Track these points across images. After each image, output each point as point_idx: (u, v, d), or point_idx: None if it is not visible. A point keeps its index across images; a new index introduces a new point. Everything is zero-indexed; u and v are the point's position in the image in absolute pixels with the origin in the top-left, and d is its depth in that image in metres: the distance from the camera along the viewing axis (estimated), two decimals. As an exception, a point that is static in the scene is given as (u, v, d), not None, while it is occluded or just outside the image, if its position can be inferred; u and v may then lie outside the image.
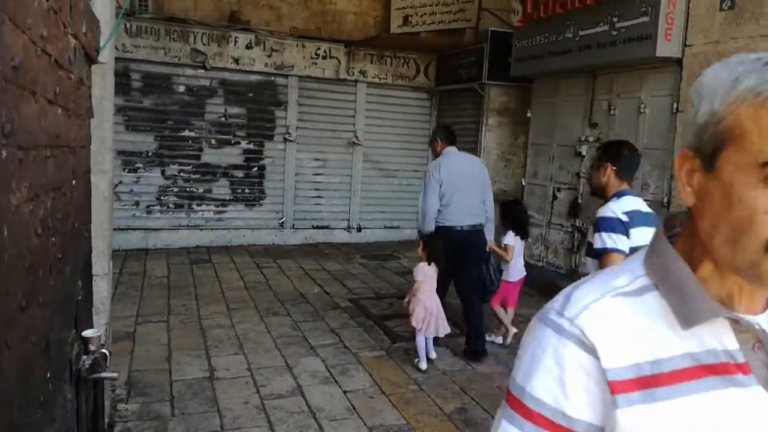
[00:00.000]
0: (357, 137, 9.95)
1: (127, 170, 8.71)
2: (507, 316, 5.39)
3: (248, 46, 9.11)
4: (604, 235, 2.78)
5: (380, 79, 10.00)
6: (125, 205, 8.70)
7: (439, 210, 5.00)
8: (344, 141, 9.92)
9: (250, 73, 9.23)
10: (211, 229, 9.25)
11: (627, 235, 2.72)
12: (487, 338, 5.26)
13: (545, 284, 7.23)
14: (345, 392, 4.21)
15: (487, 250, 5.15)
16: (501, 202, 5.93)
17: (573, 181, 7.33)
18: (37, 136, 1.58)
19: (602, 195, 3.00)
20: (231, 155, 9.30)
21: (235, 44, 9.04)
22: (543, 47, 7.35)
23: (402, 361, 4.82)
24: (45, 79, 1.71)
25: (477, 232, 5.06)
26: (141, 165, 8.82)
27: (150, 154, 8.85)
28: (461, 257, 4.93)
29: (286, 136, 9.49)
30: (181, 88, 8.96)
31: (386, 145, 10.22)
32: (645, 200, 4.01)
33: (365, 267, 8.21)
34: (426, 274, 4.70)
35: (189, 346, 4.93)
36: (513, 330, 5.39)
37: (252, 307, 6.10)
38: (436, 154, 5.29)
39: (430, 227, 5.00)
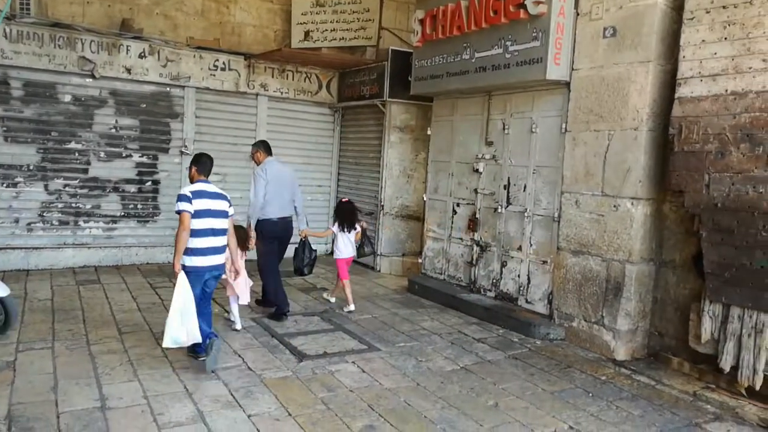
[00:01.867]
0: (258, 152, 9.76)
1: (5, 185, 8.04)
2: (339, 288, 7.15)
3: (141, 56, 8.72)
4: (179, 203, 4.77)
5: (282, 93, 9.90)
6: (3, 222, 8.01)
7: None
8: (245, 155, 9.64)
9: (143, 83, 8.83)
10: (100, 247, 8.71)
11: (190, 202, 4.76)
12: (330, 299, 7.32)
13: (447, 297, 7.42)
14: (249, 416, 4.07)
15: (301, 236, 6.70)
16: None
17: (471, 196, 7.58)
18: None
19: (191, 182, 5.10)
20: (122, 169, 8.83)
21: (127, 53, 8.62)
22: (441, 67, 7.58)
23: (309, 381, 4.74)
24: None
25: (287, 222, 6.57)
26: (21, 179, 8.16)
27: (31, 167, 8.22)
28: (275, 241, 6.46)
29: (183, 149, 9.14)
30: (67, 98, 8.41)
31: (289, 160, 10.02)
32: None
33: (267, 284, 8.02)
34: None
35: (77, 375, 4.58)
36: (333, 299, 7.28)
37: (146, 330, 5.78)
38: (258, 163, 6.58)
39: (256, 217, 6.35)
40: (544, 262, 6.55)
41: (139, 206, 9.00)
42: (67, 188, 8.48)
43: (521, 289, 6.82)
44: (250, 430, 3.87)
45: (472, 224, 7.53)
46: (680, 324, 5.49)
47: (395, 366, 5.19)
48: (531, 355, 5.69)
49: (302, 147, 10.29)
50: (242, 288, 5.91)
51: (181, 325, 4.66)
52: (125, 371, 4.73)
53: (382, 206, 9.38)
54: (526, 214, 6.75)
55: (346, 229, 6.95)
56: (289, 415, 4.11)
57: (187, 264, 4.77)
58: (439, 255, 8.14)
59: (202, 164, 5.15)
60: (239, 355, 5.23)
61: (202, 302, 4.95)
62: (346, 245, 6.99)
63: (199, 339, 4.74)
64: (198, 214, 4.79)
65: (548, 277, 6.49)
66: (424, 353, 5.58)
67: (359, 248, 7.10)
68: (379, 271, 9.38)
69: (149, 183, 9.02)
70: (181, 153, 9.13)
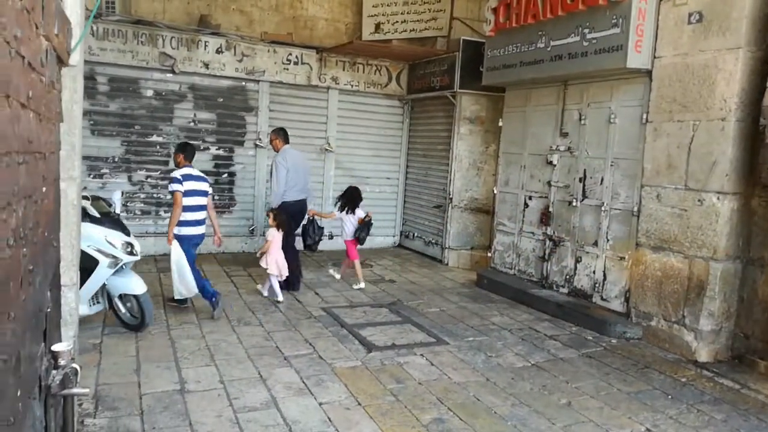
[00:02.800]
0: (329, 144, 9.89)
1: (92, 176, 8.48)
2: (355, 268, 7.67)
3: (218, 51, 8.98)
4: (171, 184, 5.92)
5: (352, 86, 9.96)
6: (90, 211, 8.44)
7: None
8: (316, 148, 9.84)
9: (220, 78, 9.10)
10: (179, 236, 9.04)
11: (181, 184, 5.84)
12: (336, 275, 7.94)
13: (517, 292, 7.29)
14: (321, 404, 4.14)
15: (310, 216, 7.38)
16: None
17: (544, 189, 7.40)
18: (9, 141, 1.50)
19: (178, 167, 6.13)
20: (200, 161, 9.06)
21: (205, 48, 8.90)
22: (515, 57, 7.42)
23: (378, 371, 4.77)
24: (18, 81, 1.62)
25: (302, 203, 7.23)
26: (107, 170, 8.60)
27: (116, 159, 8.64)
28: (293, 221, 7.07)
29: (257, 142, 9.37)
30: (149, 92, 8.78)
31: (358, 152, 10.19)
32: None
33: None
34: (274, 237, 6.70)
35: (158, 358, 4.80)
36: (338, 275, 7.94)
37: (222, 317, 5.97)
38: (277, 150, 7.20)
39: (279, 202, 6.95)
40: (622, 258, 6.31)
41: (216, 197, 9.25)
42: (149, 179, 8.86)
43: (596, 285, 6.61)
44: (321, 417, 3.94)
45: (545, 218, 7.35)
46: (769, 326, 5.18)
47: (464, 360, 5.15)
48: (606, 354, 5.51)
49: (371, 139, 10.34)
50: (282, 264, 6.69)
51: (181, 281, 5.84)
52: (203, 356, 4.90)
53: (451, 199, 9.30)
54: (602, 208, 6.53)
55: (347, 212, 7.56)
56: (359, 404, 4.15)
57: (179, 234, 5.92)
58: (510, 249, 8.00)
59: (187, 152, 6.18)
60: (310, 344, 5.33)
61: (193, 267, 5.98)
62: (349, 228, 7.61)
63: (195, 291, 5.87)
64: (187, 194, 5.89)
65: (626, 274, 6.26)
66: (494, 348, 5.51)
67: (358, 232, 7.58)
68: (447, 264, 9.32)
69: (225, 175, 9.30)
70: (256, 146, 9.36)
